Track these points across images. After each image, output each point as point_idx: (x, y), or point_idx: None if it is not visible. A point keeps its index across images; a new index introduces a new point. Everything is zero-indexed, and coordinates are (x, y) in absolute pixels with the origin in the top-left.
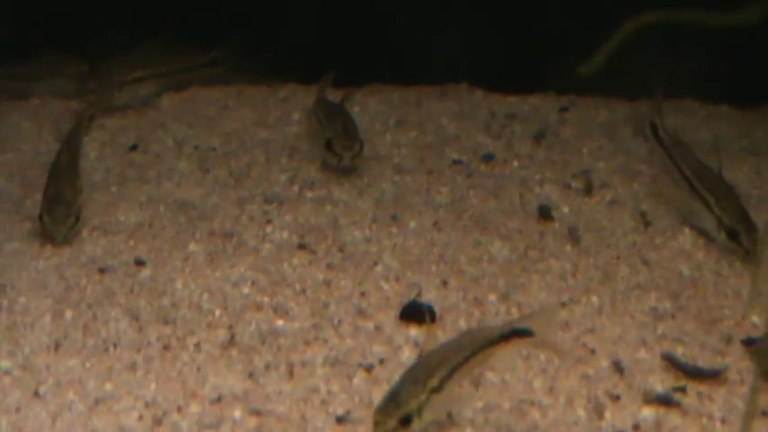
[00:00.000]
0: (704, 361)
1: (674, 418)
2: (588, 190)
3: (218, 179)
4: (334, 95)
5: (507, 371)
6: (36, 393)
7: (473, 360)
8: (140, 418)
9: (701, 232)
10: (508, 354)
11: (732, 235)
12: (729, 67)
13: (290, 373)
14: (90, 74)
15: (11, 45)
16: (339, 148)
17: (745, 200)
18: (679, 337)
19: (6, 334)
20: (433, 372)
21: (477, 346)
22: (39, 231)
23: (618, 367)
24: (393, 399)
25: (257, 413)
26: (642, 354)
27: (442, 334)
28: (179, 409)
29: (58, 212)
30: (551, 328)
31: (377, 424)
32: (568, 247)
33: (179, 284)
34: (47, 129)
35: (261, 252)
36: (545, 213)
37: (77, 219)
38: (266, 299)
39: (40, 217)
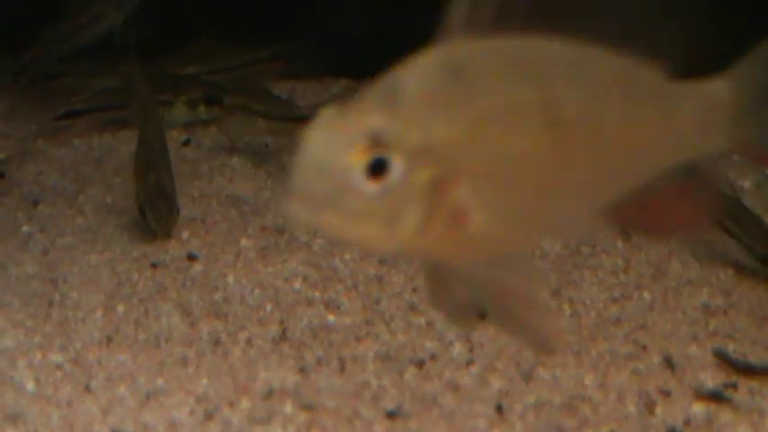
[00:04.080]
0: (756, 357)
1: (725, 414)
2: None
3: (270, 174)
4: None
5: (558, 366)
6: (87, 387)
7: None
8: (191, 412)
9: None
10: None
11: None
12: None
13: (342, 368)
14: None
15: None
16: None
17: None
18: (731, 333)
19: (58, 328)
20: None
21: None
22: (89, 225)
23: (669, 363)
24: None
25: (308, 408)
26: (693, 350)
27: (493, 330)
28: (230, 404)
29: (161, 206)
30: None
31: None
32: (620, 243)
33: (231, 279)
34: (98, 128)
35: (312, 247)
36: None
37: (178, 211)
38: (318, 294)
39: (142, 211)
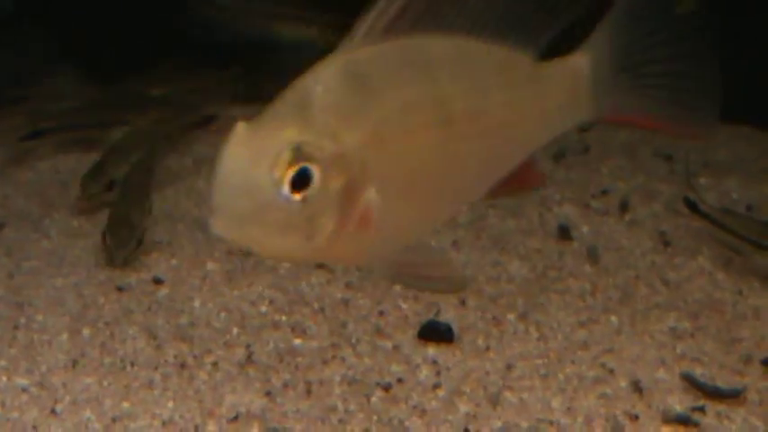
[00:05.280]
0: (723, 381)
1: None
2: (623, 208)
3: None
4: None
5: (525, 390)
6: (53, 411)
7: None
8: None
9: (721, 252)
10: None
11: None
12: (748, 88)
13: (308, 392)
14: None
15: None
16: None
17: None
18: (698, 356)
19: (24, 352)
20: None
21: None
22: (54, 249)
23: (637, 387)
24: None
25: (274, 431)
26: (661, 373)
27: (460, 354)
28: (196, 428)
29: (121, 234)
30: None
31: None
32: (587, 267)
33: (197, 303)
34: (64, 148)
35: (279, 271)
36: (564, 233)
37: (140, 242)
38: (284, 318)
39: (103, 236)
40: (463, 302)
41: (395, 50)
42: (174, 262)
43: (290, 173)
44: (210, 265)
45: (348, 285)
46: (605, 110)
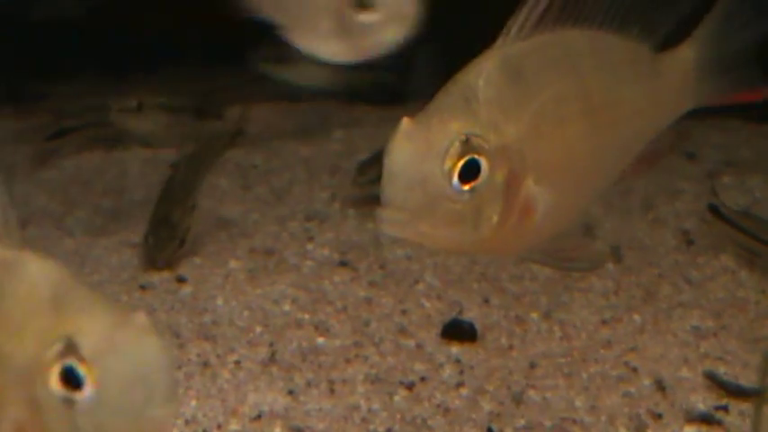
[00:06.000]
0: (747, 380)
1: None
2: (647, 207)
3: (259, 196)
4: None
5: (549, 389)
6: None
7: None
8: None
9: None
10: None
11: None
12: None
13: (331, 391)
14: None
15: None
16: None
17: None
18: (721, 355)
19: None
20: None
21: None
22: (77, 248)
23: (660, 386)
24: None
25: (297, 430)
26: (684, 372)
27: (483, 352)
28: (219, 427)
29: (162, 235)
30: None
31: None
32: (610, 266)
33: (220, 301)
34: (88, 147)
35: (302, 269)
36: (587, 231)
37: (182, 243)
38: (307, 316)
39: (145, 238)
40: (486, 301)
41: (544, 45)
42: (196, 261)
43: (460, 164)
44: (233, 264)
45: (371, 284)
46: (706, 96)
